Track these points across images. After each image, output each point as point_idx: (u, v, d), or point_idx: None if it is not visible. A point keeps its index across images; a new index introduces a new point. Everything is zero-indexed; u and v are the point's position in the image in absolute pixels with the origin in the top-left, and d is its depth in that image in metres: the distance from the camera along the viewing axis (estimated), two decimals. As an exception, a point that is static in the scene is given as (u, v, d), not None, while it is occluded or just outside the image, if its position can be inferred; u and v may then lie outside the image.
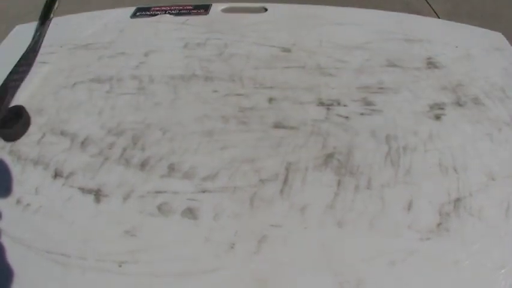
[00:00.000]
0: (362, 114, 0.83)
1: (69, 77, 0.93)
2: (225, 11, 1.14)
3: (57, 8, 1.10)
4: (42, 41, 1.03)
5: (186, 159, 0.75)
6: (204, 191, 0.70)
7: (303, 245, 0.64)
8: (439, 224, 0.66)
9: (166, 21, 1.10)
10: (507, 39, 1.05)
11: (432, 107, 0.85)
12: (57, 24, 1.14)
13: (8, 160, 0.77)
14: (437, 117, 0.82)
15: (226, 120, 0.82)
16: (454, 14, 2.63)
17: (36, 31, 1.05)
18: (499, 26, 1.13)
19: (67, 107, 0.86)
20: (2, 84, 0.87)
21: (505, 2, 2.75)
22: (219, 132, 0.79)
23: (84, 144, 0.79)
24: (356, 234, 0.65)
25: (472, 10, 2.69)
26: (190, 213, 0.68)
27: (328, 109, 0.83)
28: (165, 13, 1.13)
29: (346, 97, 0.86)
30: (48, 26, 1.07)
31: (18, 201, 0.71)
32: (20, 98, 0.89)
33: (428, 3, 2.76)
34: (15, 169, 0.76)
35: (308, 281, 0.62)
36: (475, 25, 1.13)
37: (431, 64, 0.95)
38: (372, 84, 0.89)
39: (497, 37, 1.07)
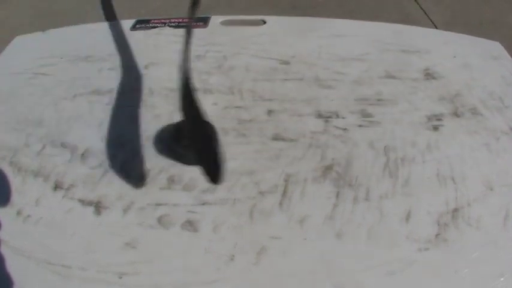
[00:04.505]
0: (360, 126, 0.83)
1: (69, 89, 0.94)
2: (224, 23, 1.15)
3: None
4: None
5: (185, 171, 0.76)
6: (203, 203, 0.71)
7: (303, 256, 0.64)
8: (437, 235, 0.66)
9: (166, 34, 1.11)
10: (505, 49, 1.06)
11: (430, 118, 0.85)
12: (57, 35, 1.15)
13: (9, 171, 0.77)
14: (435, 128, 0.83)
15: (226, 133, 0.82)
16: (452, 24, 2.64)
17: None
18: (497, 36, 1.14)
19: (67, 119, 0.87)
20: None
21: (503, 12, 2.76)
22: None
23: (84, 156, 0.79)
24: (355, 245, 0.66)
25: (470, 20, 2.70)
26: (190, 225, 0.68)
27: (326, 121, 0.84)
28: (165, 25, 1.14)
29: (345, 109, 0.87)
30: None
31: (19, 213, 0.71)
32: (20, 110, 0.89)
33: (426, 14, 2.78)
34: (15, 180, 0.76)
35: (307, 292, 0.62)
36: (472, 35, 1.14)
37: (429, 75, 0.96)
38: (370, 96, 0.90)
39: (495, 46, 1.07)
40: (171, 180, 0.74)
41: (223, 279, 0.62)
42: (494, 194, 0.72)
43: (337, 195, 0.72)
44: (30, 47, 1.10)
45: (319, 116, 0.85)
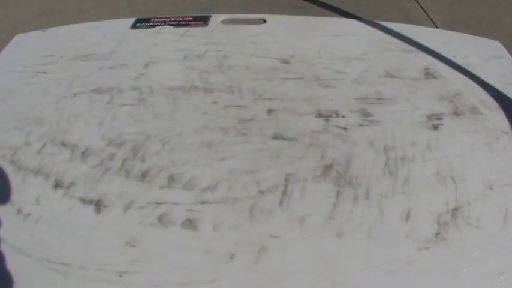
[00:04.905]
0: (360, 125, 0.83)
1: (69, 88, 0.94)
2: (224, 22, 1.15)
3: None
4: None
5: (186, 170, 0.76)
6: (203, 202, 0.71)
7: (302, 256, 0.64)
8: (437, 234, 0.66)
9: (166, 33, 1.11)
10: (505, 48, 1.06)
11: (430, 117, 0.85)
12: (57, 34, 1.15)
13: (9, 170, 0.78)
14: (435, 127, 0.83)
15: (226, 132, 0.82)
16: (452, 24, 2.65)
17: None
18: (497, 35, 1.14)
19: (67, 118, 0.87)
20: None
21: (503, 11, 2.76)
22: (219, 143, 0.80)
23: (84, 154, 0.79)
24: (355, 244, 0.66)
25: (470, 19, 2.70)
26: (190, 224, 0.68)
27: (326, 120, 0.84)
28: (165, 24, 1.14)
29: (345, 108, 0.87)
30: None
31: (19, 211, 0.71)
32: (20, 108, 0.89)
33: (426, 13, 2.78)
34: (16, 179, 0.76)
35: (307, 291, 0.62)
36: (472, 34, 1.14)
37: (429, 74, 0.96)
38: (370, 95, 0.90)
39: (495, 46, 1.07)
40: (171, 179, 0.74)
41: (223, 278, 0.62)
42: (494, 193, 0.72)
43: (337, 194, 0.72)
44: (30, 45, 1.10)
45: (319, 115, 0.85)
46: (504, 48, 1.06)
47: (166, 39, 1.09)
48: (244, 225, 0.68)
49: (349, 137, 0.81)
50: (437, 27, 2.51)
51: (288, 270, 0.63)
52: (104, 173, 0.76)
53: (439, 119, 0.85)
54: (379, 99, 0.89)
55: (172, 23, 1.15)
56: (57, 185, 0.74)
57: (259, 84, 0.93)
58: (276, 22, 1.14)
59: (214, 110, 0.87)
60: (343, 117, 0.85)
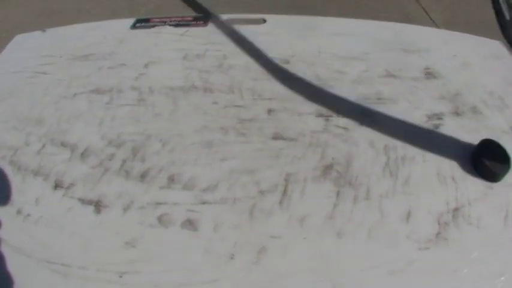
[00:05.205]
0: (360, 125, 0.83)
1: (69, 88, 0.94)
2: (224, 22, 1.15)
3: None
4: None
5: (185, 170, 0.76)
6: (203, 202, 0.71)
7: (302, 256, 0.64)
8: (437, 234, 0.66)
9: (165, 33, 1.11)
10: (505, 48, 1.06)
11: (430, 117, 0.85)
12: (57, 34, 1.14)
13: (9, 170, 0.77)
14: (435, 127, 0.83)
15: (226, 132, 0.82)
16: (452, 23, 2.64)
17: None
18: (497, 35, 1.14)
19: (67, 118, 0.86)
20: None
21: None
22: (219, 143, 0.80)
23: (84, 155, 0.79)
24: (355, 244, 0.66)
25: (470, 19, 2.70)
26: (190, 224, 0.68)
27: (326, 120, 0.84)
28: (165, 24, 1.14)
29: (345, 108, 0.86)
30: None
31: (19, 212, 0.71)
32: (20, 109, 0.89)
33: (426, 13, 2.78)
34: (15, 179, 0.76)
35: (307, 292, 0.62)
36: (473, 34, 1.14)
37: (429, 74, 0.96)
38: (370, 95, 0.90)
39: (495, 45, 1.07)
40: (171, 179, 0.74)
41: (223, 279, 0.62)
42: (495, 193, 0.72)
43: (337, 194, 0.72)
44: (30, 45, 1.10)
45: (320, 115, 0.85)
46: (505, 48, 1.05)
47: (166, 39, 1.09)
48: (244, 225, 0.68)
49: (349, 137, 0.81)
50: (437, 27, 2.51)
51: (288, 271, 0.63)
52: (104, 173, 0.76)
53: (439, 119, 0.85)
54: (379, 99, 0.89)
55: (172, 23, 1.15)
56: (57, 185, 0.74)
57: (259, 84, 0.93)
58: (276, 22, 1.14)
59: (214, 110, 0.87)
60: (344, 117, 0.85)
